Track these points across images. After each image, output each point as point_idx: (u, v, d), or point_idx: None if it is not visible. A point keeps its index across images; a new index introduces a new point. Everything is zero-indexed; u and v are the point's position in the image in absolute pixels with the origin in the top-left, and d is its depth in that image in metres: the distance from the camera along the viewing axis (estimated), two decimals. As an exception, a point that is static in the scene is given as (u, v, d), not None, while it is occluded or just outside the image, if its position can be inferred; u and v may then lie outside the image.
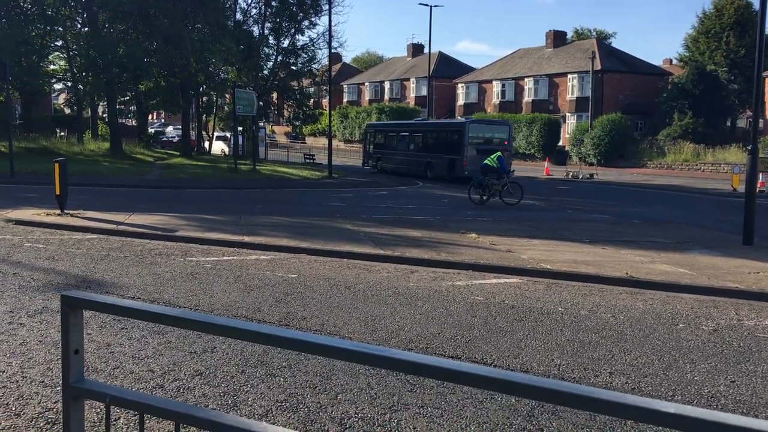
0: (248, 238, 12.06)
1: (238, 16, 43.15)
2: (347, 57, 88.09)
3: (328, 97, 38.89)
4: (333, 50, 38.61)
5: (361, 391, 5.04)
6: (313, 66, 45.15)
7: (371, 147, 38.48)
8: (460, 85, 65.37)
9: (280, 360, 5.60)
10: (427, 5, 53.08)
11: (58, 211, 14.11)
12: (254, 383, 5.13)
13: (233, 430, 1.77)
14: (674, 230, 15.49)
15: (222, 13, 38.34)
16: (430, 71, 58.48)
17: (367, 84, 77.79)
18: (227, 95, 45.08)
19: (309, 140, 69.28)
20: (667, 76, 55.15)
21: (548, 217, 17.76)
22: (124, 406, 2.04)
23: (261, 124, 44.97)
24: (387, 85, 74.56)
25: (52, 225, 12.94)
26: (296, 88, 45.58)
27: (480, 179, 20.63)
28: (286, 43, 43.79)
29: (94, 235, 12.13)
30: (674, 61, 64.31)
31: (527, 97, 58.57)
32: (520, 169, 34.64)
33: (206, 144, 49.55)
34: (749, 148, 13.23)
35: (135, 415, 4.28)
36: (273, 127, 68.75)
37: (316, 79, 46.90)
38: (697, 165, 43.74)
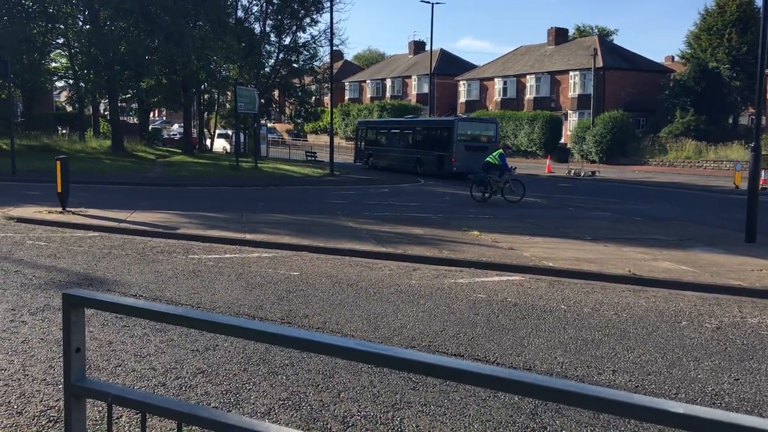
0: (250, 235, 12.05)
1: (240, 13, 43.15)
2: (349, 54, 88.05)
3: (329, 94, 38.85)
4: (334, 48, 38.51)
5: (364, 389, 5.03)
6: (315, 63, 45.10)
7: (363, 144, 39.11)
8: (461, 83, 65.28)
9: (283, 358, 5.58)
10: (428, 2, 52.98)
11: (59, 209, 14.10)
12: (257, 381, 5.12)
13: (236, 429, 1.76)
14: (676, 227, 15.45)
15: (223, 11, 38.30)
16: (432, 69, 58.41)
17: (368, 81, 77.72)
18: (229, 93, 45.09)
19: (311, 138, 69.23)
20: (669, 74, 55.03)
21: (550, 215, 17.73)
22: (126, 406, 2.02)
23: (263, 121, 44.94)
24: (388, 82, 74.49)
25: (53, 223, 12.94)
26: (298, 85, 45.54)
27: (482, 176, 20.60)
28: (287, 40, 43.76)
29: (96, 233, 12.12)
30: (676, 58, 64.15)
31: (529, 95, 58.49)
32: (522, 166, 34.60)
33: (208, 142, 49.53)
34: (752, 145, 13.19)
35: (137, 413, 4.27)
36: (275, 124, 68.67)
37: (318, 77, 46.86)
38: (699, 162, 43.66)
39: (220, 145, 48.61)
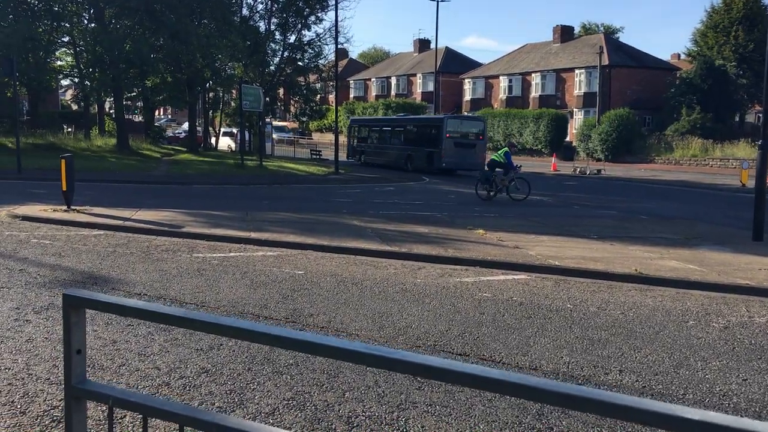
0: (255, 234, 12.03)
1: (245, 11, 43.13)
2: (354, 53, 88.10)
3: (334, 92, 38.82)
4: (339, 46, 38.58)
5: (369, 389, 4.99)
6: (320, 62, 45.07)
7: (355, 141, 40.15)
8: (466, 81, 65.18)
9: (287, 357, 5.56)
10: (434, 0, 52.88)
11: (64, 207, 14.11)
12: (261, 381, 5.10)
13: (238, 433, 1.73)
14: (683, 226, 15.37)
15: (228, 9, 38.28)
16: (437, 67, 58.34)
17: (373, 80, 77.67)
18: (234, 91, 45.06)
19: (316, 136, 69.25)
20: (676, 71, 54.83)
21: (556, 213, 17.67)
22: (127, 408, 1.99)
23: (272, 120, 44.91)
24: (394, 80, 74.42)
25: (58, 221, 12.94)
26: (303, 83, 45.52)
27: (487, 175, 20.54)
28: (292, 38, 43.74)
29: (101, 231, 12.12)
30: (682, 56, 63.94)
31: (534, 93, 58.36)
32: (527, 164, 34.55)
33: (213, 140, 49.55)
34: (759, 143, 13.10)
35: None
36: (288, 123, 68.56)
37: (323, 75, 46.81)
38: (705, 160, 43.50)
39: (225, 143, 48.64)
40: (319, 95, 52.52)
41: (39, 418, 4.32)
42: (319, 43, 43.76)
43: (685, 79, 49.11)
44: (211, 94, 47.79)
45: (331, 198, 20.25)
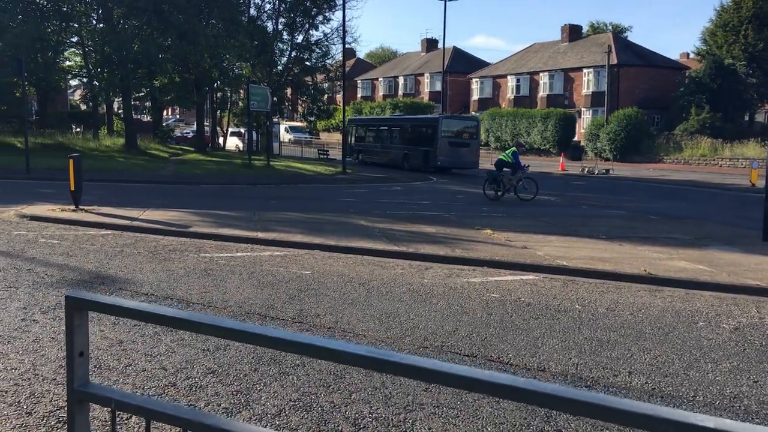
0: (262, 234, 12.02)
1: (252, 11, 43.18)
2: (361, 52, 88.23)
3: (342, 92, 38.86)
4: (347, 45, 38.54)
5: (376, 390, 4.96)
6: (327, 61, 45.08)
7: (353, 140, 40.80)
8: (474, 80, 65.06)
9: (294, 358, 5.53)
10: None
11: (72, 207, 14.14)
12: (267, 381, 5.07)
13: (242, 438, 1.70)
14: (692, 226, 15.27)
15: (236, 9, 38.34)
16: (445, 66, 58.21)
17: (381, 79, 77.64)
18: (241, 91, 45.15)
19: (323, 136, 69.24)
20: (684, 70, 54.55)
21: (564, 213, 17.59)
22: (130, 412, 1.97)
23: (276, 119, 44.92)
24: (401, 80, 74.37)
25: (66, 221, 12.96)
26: (310, 83, 45.54)
27: (495, 174, 20.48)
28: (300, 38, 43.79)
29: (109, 231, 12.14)
30: (691, 55, 63.58)
31: (542, 92, 58.19)
32: (535, 164, 34.47)
33: (221, 140, 49.63)
34: (770, 142, 12.99)
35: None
36: (296, 123, 68.52)
37: (330, 75, 46.84)
38: (714, 160, 43.26)
39: (232, 143, 48.72)
40: (326, 95, 52.58)
41: (45, 418, 4.31)
42: (326, 43, 43.84)
43: (695, 78, 48.84)
44: (218, 94, 47.89)
45: (339, 198, 20.23)
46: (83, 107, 54.63)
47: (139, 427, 4.20)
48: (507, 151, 20.98)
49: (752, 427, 1.24)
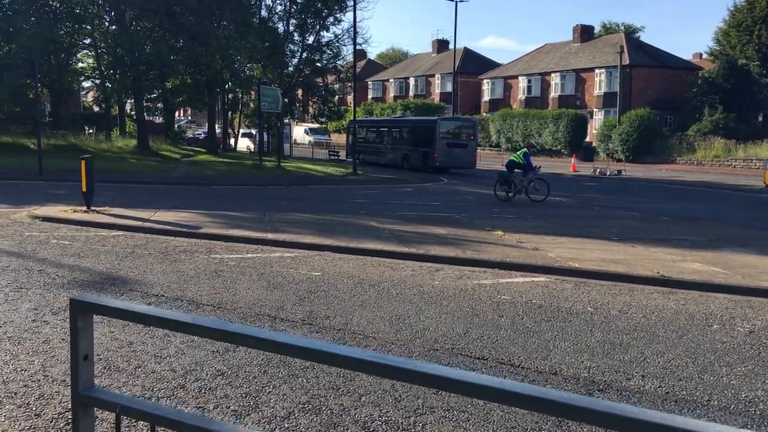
0: (272, 235, 12.01)
1: (263, 13, 43.26)
2: (372, 53, 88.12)
3: (352, 93, 38.89)
4: (358, 46, 38.58)
5: (386, 392, 4.92)
6: (338, 62, 45.11)
7: (354, 141, 40.81)
8: (485, 81, 64.90)
9: (303, 360, 5.49)
10: (452, 0, 52.73)
11: (84, 208, 14.19)
12: (276, 384, 5.04)
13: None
14: (705, 227, 15.14)
15: (247, 11, 38.45)
16: (455, 67, 58.14)
17: (391, 80, 77.61)
18: (252, 92, 45.25)
19: (333, 137, 69.25)
20: (697, 71, 54.17)
21: (575, 214, 17.48)
22: (135, 417, 1.94)
23: (287, 120, 45.01)
24: (412, 81, 74.31)
25: (78, 222, 13.01)
26: (321, 84, 45.57)
27: (506, 176, 20.39)
28: (310, 39, 43.81)
29: (120, 232, 12.17)
30: (704, 56, 63.15)
31: (554, 93, 57.96)
32: (547, 165, 34.32)
33: (232, 141, 49.77)
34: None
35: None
36: (298, 123, 68.62)
37: (341, 76, 46.84)
38: (728, 161, 42.92)
39: (243, 144, 48.83)
40: (337, 96, 52.61)
41: (54, 420, 4.30)
42: (337, 44, 43.85)
43: (708, 78, 48.49)
44: (230, 96, 48.02)
45: (349, 199, 20.21)
46: (96, 109, 54.93)
47: (147, 430, 4.18)
48: (518, 152, 20.89)
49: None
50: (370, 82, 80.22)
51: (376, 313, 7.16)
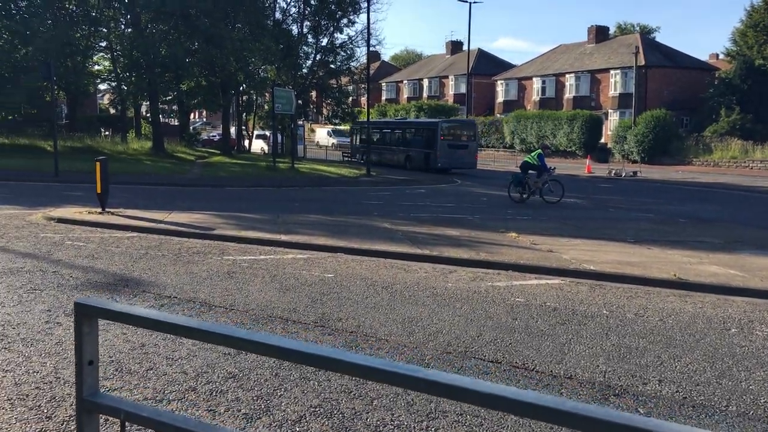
0: (285, 236, 12.00)
1: (278, 15, 43.39)
2: (386, 55, 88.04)
3: (366, 95, 38.89)
4: (371, 48, 38.64)
5: (398, 396, 4.87)
6: (352, 64, 45.14)
7: (358, 142, 42.20)
8: (499, 82, 64.68)
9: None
10: (466, 2, 52.61)
11: (99, 210, 14.26)
12: (288, 387, 5.01)
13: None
14: (723, 230, 14.96)
15: (262, 13, 38.55)
16: (469, 68, 57.97)
17: (405, 82, 77.55)
18: (267, 94, 45.33)
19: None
20: (714, 71, 53.66)
21: (590, 216, 17.34)
22: (139, 424, 1.90)
23: (300, 122, 45.11)
24: (425, 82, 74.20)
25: (92, 223, 13.07)
26: (335, 86, 45.61)
27: (520, 177, 20.27)
28: (324, 41, 43.87)
29: (134, 234, 12.21)
30: (721, 56, 62.57)
31: (568, 94, 57.63)
32: (561, 167, 34.10)
33: (246, 142, 49.91)
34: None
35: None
36: (312, 125, 68.66)
37: (355, 77, 46.86)
38: (745, 162, 42.45)
39: (258, 145, 48.95)
40: (351, 98, 52.64)
41: (65, 423, 4.28)
42: (351, 46, 43.88)
43: (724, 79, 48.01)
44: (244, 98, 48.17)
45: (362, 200, 20.18)
46: (112, 111, 55.33)
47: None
48: (533, 153, 20.77)
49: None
50: (383, 84, 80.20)
51: (388, 316, 7.11)
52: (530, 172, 20.23)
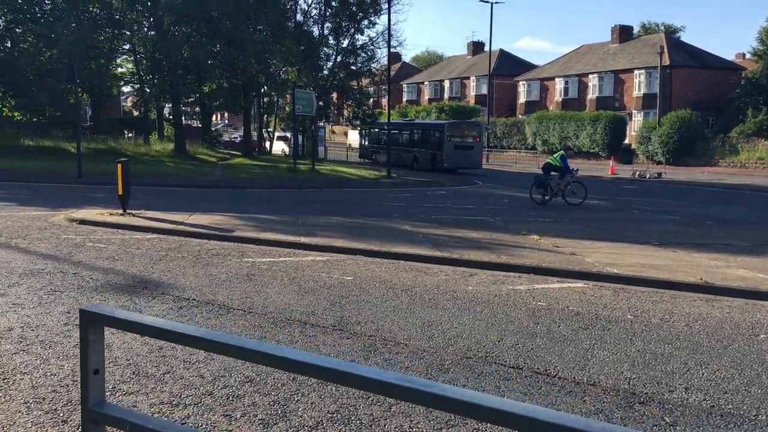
0: (304, 238, 11.96)
1: (299, 17, 43.44)
2: (407, 56, 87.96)
3: (387, 96, 38.85)
4: (392, 49, 38.50)
5: (416, 403, 4.78)
6: (373, 65, 45.07)
7: (367, 143, 43.68)
8: (521, 83, 64.27)
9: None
10: (487, 2, 52.35)
11: (120, 211, 14.34)
12: (305, 392, 4.94)
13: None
14: (751, 232, 14.66)
15: (283, 15, 38.66)
16: (491, 69, 57.71)
17: (426, 83, 77.40)
18: (288, 96, 45.45)
19: (368, 140, 69.18)
20: (740, 71, 52.82)
21: (614, 218, 17.10)
22: (144, 436, 1.84)
23: (320, 123, 45.19)
24: (447, 83, 73.99)
25: (114, 225, 13.14)
26: (356, 87, 45.60)
27: (542, 178, 20.08)
28: (345, 42, 43.86)
29: (154, 235, 12.24)
30: (747, 56, 61.59)
31: (591, 95, 57.08)
32: (584, 168, 33.78)
33: (267, 144, 50.10)
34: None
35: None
36: (333, 127, 68.77)
37: (376, 79, 46.81)
38: (772, 163, 41.72)
39: (279, 147, 49.11)
40: (371, 99, 52.60)
41: (80, 427, 4.25)
42: (371, 47, 43.82)
43: (751, 79, 47.26)
44: (265, 99, 48.34)
45: (383, 202, 20.11)
46: (135, 113, 55.86)
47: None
48: (555, 155, 20.56)
49: None
50: (404, 85, 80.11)
51: (408, 319, 7.03)
52: (552, 173, 20.04)
